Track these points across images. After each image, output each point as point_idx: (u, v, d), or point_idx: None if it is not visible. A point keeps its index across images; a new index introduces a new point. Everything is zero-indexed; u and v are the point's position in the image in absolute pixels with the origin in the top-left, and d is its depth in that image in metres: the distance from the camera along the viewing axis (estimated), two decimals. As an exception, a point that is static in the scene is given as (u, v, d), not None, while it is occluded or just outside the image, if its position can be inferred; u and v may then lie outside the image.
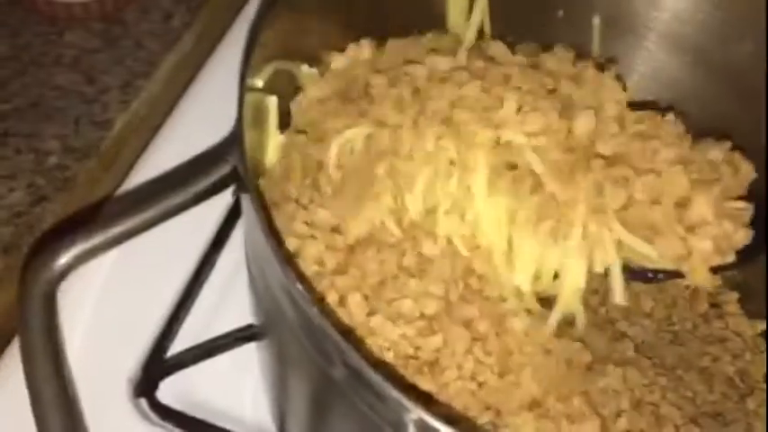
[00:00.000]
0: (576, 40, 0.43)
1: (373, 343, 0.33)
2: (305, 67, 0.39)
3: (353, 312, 0.33)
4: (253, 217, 0.28)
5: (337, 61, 0.39)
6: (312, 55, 0.39)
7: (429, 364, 0.33)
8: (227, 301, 0.48)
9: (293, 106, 0.39)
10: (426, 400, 0.33)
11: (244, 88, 0.31)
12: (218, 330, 0.46)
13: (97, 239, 0.32)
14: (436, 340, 0.33)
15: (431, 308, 0.34)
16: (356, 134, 0.36)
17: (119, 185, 0.52)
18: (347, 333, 0.32)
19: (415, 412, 0.28)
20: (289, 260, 0.28)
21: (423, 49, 0.39)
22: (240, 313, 0.46)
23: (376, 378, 0.28)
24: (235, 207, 0.50)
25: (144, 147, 0.54)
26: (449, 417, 0.31)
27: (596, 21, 0.42)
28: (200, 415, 0.44)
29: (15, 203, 0.50)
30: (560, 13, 0.43)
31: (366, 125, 0.36)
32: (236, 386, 0.45)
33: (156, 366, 0.45)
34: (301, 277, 0.28)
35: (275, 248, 0.27)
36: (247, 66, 0.32)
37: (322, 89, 0.38)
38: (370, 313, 0.33)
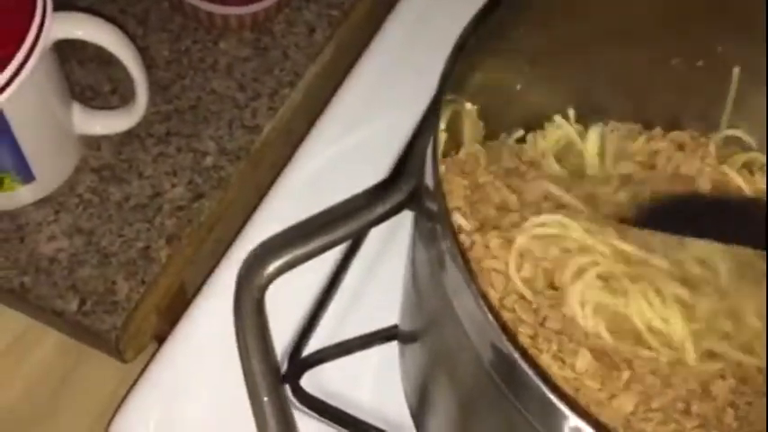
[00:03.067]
0: (713, 89, 0.46)
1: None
2: (468, 105, 0.43)
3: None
4: (445, 246, 0.33)
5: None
6: (472, 94, 0.43)
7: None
8: (360, 302, 0.53)
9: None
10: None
11: (437, 131, 0.35)
12: (352, 327, 0.51)
13: (297, 252, 0.37)
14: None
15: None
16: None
17: (267, 187, 0.57)
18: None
19: (574, 420, 0.32)
20: (477, 287, 0.32)
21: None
22: (371, 313, 0.51)
23: (539, 383, 0.32)
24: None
25: (289, 152, 0.59)
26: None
27: (736, 71, 0.46)
28: (338, 405, 0.49)
29: (177, 198, 0.55)
30: (700, 62, 0.46)
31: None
32: (372, 382, 0.50)
33: (300, 359, 0.50)
34: (486, 302, 0.32)
35: (468, 278, 0.32)
36: (439, 109, 0.36)
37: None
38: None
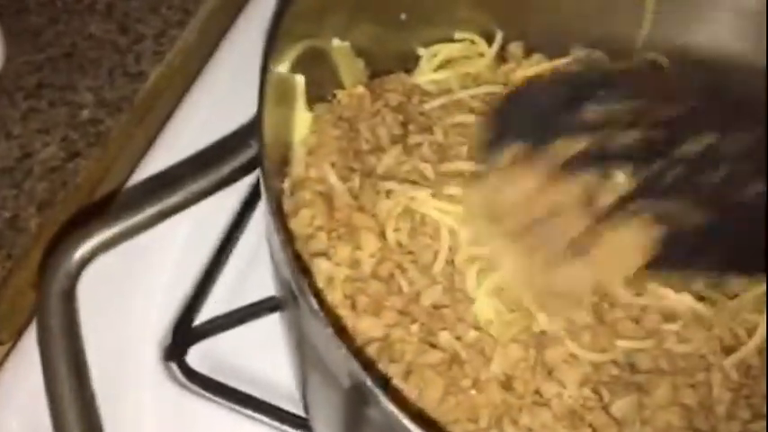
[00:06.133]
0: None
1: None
2: (336, 41, 0.37)
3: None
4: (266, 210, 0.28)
5: None
6: (342, 30, 0.37)
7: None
8: (253, 273, 0.48)
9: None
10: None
11: (265, 75, 0.29)
12: (243, 300, 0.46)
13: (115, 230, 0.31)
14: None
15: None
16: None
17: (152, 141, 0.52)
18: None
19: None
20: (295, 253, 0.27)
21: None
22: (265, 284, 0.46)
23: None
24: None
25: (178, 100, 0.53)
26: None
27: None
28: (228, 380, 0.44)
29: (49, 158, 0.49)
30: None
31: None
32: (263, 354, 0.45)
33: (185, 333, 0.45)
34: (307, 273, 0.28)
35: (284, 239, 0.27)
36: (271, 50, 0.30)
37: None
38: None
